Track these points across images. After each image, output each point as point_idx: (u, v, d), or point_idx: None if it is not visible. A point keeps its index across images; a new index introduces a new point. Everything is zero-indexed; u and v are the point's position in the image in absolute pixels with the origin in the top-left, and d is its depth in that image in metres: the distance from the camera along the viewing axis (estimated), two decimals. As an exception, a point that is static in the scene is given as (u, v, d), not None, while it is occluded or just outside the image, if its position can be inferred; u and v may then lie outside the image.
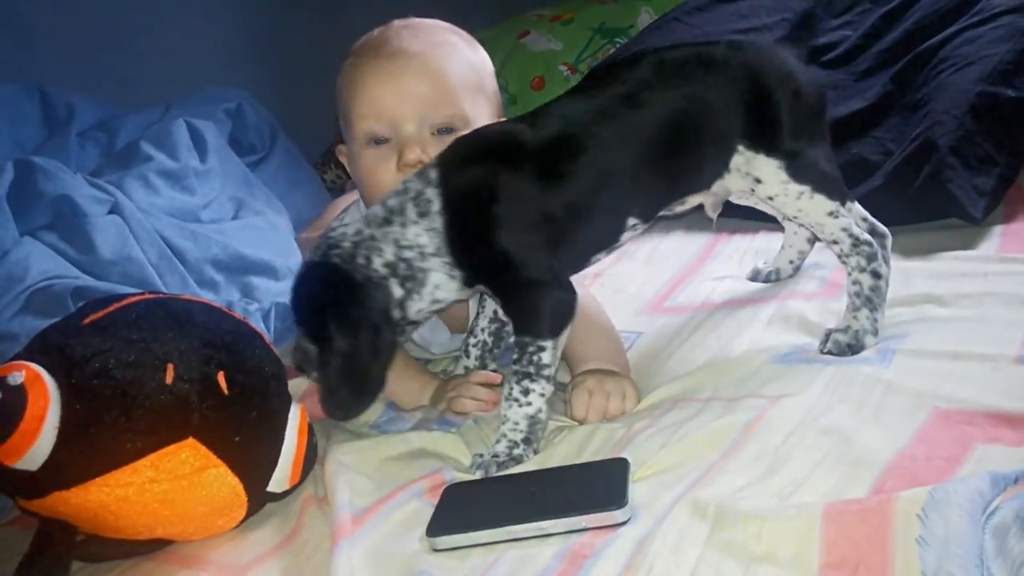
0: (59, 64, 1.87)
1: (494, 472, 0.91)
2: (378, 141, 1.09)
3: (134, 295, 0.90)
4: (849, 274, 1.01)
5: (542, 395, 0.94)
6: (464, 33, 1.16)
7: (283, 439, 0.90)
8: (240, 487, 0.86)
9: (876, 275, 1.00)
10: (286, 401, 0.92)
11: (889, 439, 0.80)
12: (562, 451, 0.93)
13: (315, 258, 0.96)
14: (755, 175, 0.99)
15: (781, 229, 1.36)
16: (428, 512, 0.84)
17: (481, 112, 1.11)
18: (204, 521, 0.87)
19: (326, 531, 0.86)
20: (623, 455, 0.86)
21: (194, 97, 1.87)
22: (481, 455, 0.94)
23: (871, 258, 1.00)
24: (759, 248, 1.33)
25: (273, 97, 2.14)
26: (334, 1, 2.36)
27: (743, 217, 1.46)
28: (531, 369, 0.94)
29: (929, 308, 1.02)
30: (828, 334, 0.99)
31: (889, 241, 1.05)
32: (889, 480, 0.74)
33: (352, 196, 1.65)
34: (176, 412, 0.83)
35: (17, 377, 0.79)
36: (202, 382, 0.84)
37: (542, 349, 0.94)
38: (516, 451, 0.93)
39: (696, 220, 1.51)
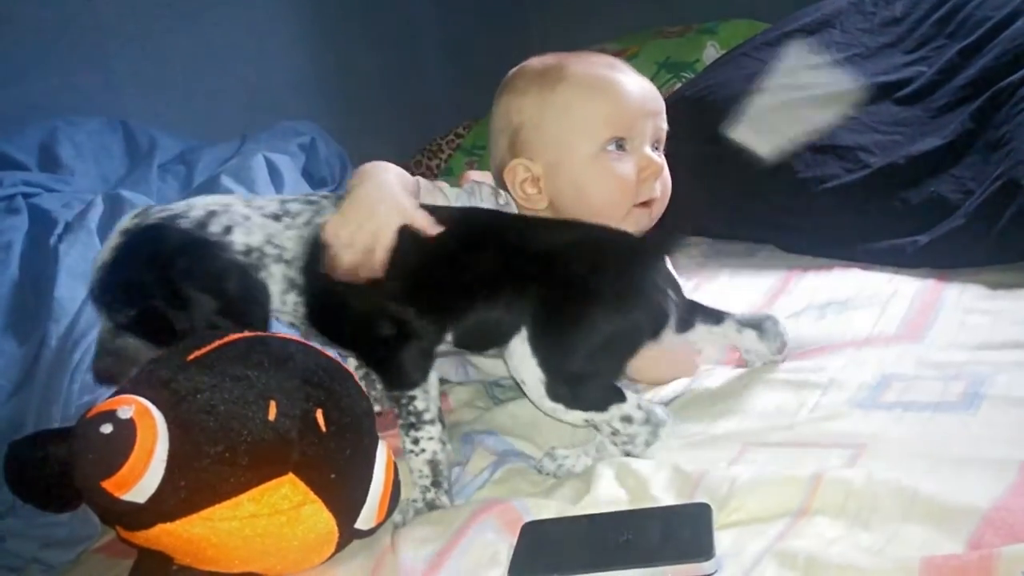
0: (140, 99, 1.94)
1: (411, 518, 0.94)
2: (619, 147, 1.15)
3: (233, 334, 0.93)
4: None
5: (432, 438, 0.97)
6: None
7: (372, 476, 0.91)
8: (333, 523, 0.88)
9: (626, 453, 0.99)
10: (375, 439, 0.94)
11: (982, 490, 0.78)
12: (631, 483, 0.92)
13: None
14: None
15: (857, 265, 1.35)
16: (505, 548, 0.85)
17: None
18: (297, 556, 0.88)
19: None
20: (700, 499, 0.85)
21: (269, 131, 1.92)
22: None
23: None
24: (834, 285, 1.31)
25: (340, 129, 2.18)
26: (399, 38, 2.41)
27: (815, 254, 1.45)
28: (412, 420, 0.98)
29: (1018, 353, 1.00)
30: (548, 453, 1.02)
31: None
32: (987, 534, 0.72)
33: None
34: (278, 448, 0.84)
35: (127, 411, 0.82)
36: (302, 419, 0.86)
37: (413, 399, 0.97)
38: (429, 495, 0.96)
39: (768, 256, 1.52)
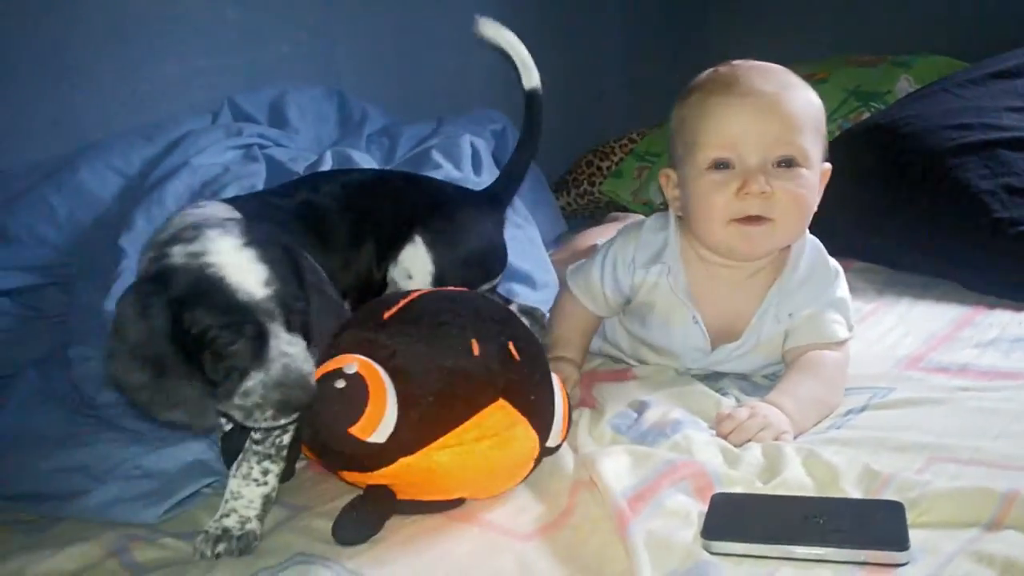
0: (355, 74, 2.09)
1: (209, 554, 0.94)
2: (720, 167, 1.18)
3: (411, 292, 1.06)
4: None
5: (277, 474, 1.00)
6: (798, 77, 1.24)
7: (555, 398, 1.03)
8: (536, 441, 1.00)
9: None
10: (548, 364, 1.07)
11: None
12: (819, 473, 0.96)
13: None
14: None
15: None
16: (697, 511, 0.91)
17: (816, 150, 1.20)
18: (507, 475, 1.00)
19: (599, 513, 0.94)
20: (891, 498, 0.89)
21: (465, 116, 2.03)
22: (207, 530, 0.96)
23: None
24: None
25: (519, 121, 2.28)
26: (582, 39, 2.49)
27: (997, 295, 1.45)
28: (272, 451, 1.00)
29: None
30: None
31: None
32: None
33: (607, 228, 1.75)
34: (487, 379, 0.97)
35: (352, 366, 0.93)
36: (500, 352, 0.99)
37: (285, 431, 1.00)
38: (248, 526, 0.96)
39: (949, 291, 1.52)
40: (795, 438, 1.08)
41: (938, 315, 1.41)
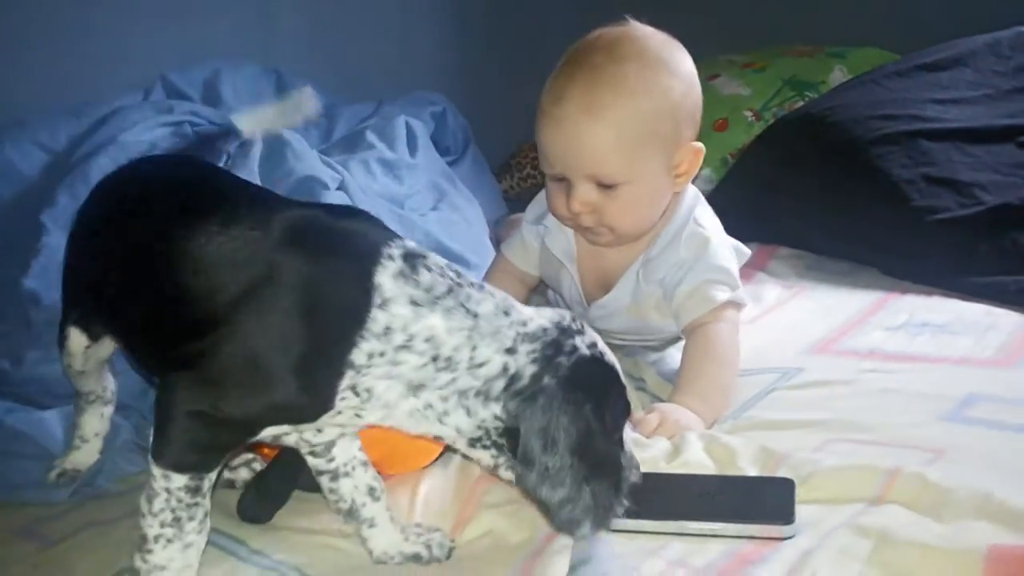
0: (293, 52, 2.08)
1: None
2: (556, 177, 1.21)
3: None
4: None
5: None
6: (660, 55, 1.19)
7: None
8: None
9: None
10: None
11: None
12: (718, 453, 0.98)
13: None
14: None
15: (957, 296, 1.39)
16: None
17: (648, 160, 1.17)
18: (415, 453, 1.00)
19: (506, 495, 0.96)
20: (784, 475, 0.92)
21: (404, 98, 2.04)
22: None
23: None
24: (933, 308, 1.36)
25: (464, 106, 2.29)
26: (535, 26, 2.50)
27: (916, 281, 1.49)
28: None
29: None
30: None
31: None
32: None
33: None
34: None
35: None
36: None
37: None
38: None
39: (869, 278, 1.56)
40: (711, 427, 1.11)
41: (854, 300, 1.45)
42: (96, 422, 1.10)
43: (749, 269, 1.62)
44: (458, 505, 0.97)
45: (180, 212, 0.84)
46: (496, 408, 0.80)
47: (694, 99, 1.22)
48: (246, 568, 0.88)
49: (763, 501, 0.88)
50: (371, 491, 0.90)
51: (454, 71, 2.48)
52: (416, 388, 0.80)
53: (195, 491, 0.79)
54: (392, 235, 0.83)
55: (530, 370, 0.80)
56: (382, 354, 0.78)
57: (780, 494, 0.88)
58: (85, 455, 1.11)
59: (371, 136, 1.68)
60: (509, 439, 0.81)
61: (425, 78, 2.32)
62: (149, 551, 0.79)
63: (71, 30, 1.71)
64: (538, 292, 1.48)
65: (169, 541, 0.79)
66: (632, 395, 1.20)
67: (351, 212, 0.86)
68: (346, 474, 0.90)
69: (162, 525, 0.78)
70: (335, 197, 1.48)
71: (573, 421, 0.80)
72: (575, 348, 0.82)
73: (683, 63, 1.21)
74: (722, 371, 1.17)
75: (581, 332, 0.84)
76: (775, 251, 1.70)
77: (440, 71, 2.41)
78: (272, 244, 0.79)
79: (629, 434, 0.91)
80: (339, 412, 0.81)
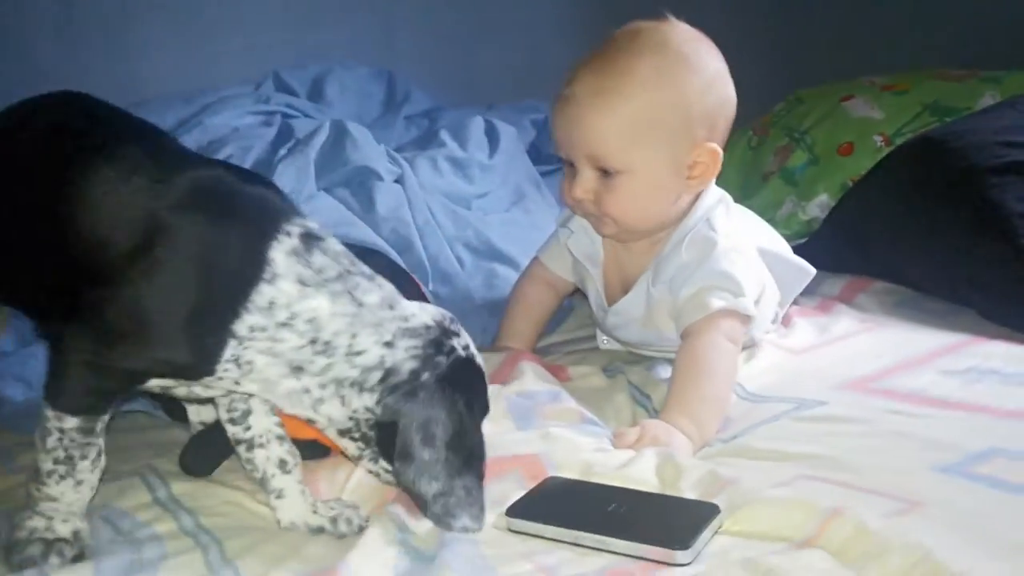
0: (414, 59, 2.14)
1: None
2: (567, 162, 1.19)
3: None
4: None
5: None
6: (681, 49, 1.14)
7: None
8: None
9: None
10: None
11: None
12: (667, 473, 0.90)
13: None
14: None
15: None
16: (519, 493, 0.88)
17: (649, 150, 1.13)
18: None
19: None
20: (718, 500, 0.83)
21: (512, 105, 2.04)
22: None
23: None
24: (1010, 356, 1.17)
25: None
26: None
27: (1013, 327, 1.29)
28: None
29: None
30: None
31: None
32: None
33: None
34: None
35: None
36: None
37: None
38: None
39: (966, 320, 1.37)
40: (701, 449, 1.02)
41: (928, 340, 1.27)
42: None
43: (832, 301, 1.49)
44: (393, 492, 0.94)
45: (78, 155, 0.84)
46: (369, 400, 0.81)
47: (715, 99, 1.15)
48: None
49: (671, 524, 0.79)
50: (282, 464, 0.90)
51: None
52: (296, 370, 0.81)
53: (88, 431, 0.81)
54: (295, 212, 0.84)
55: (409, 366, 0.81)
56: (263, 329, 0.79)
57: (693, 519, 0.79)
58: None
59: (444, 134, 1.70)
60: (378, 432, 0.82)
61: (550, 88, 2.32)
62: (43, 483, 0.82)
63: (200, 29, 1.87)
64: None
65: (62, 477, 0.81)
66: (630, 409, 1.15)
67: (257, 179, 0.88)
68: (260, 445, 0.90)
69: (55, 462, 0.81)
70: (390, 189, 1.51)
71: (449, 416, 0.82)
72: (453, 348, 0.84)
73: (709, 62, 1.16)
74: (711, 384, 1.08)
75: (458, 334, 0.86)
76: (868, 285, 1.54)
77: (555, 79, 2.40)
78: (173, 200, 0.80)
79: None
80: (220, 378, 0.82)
